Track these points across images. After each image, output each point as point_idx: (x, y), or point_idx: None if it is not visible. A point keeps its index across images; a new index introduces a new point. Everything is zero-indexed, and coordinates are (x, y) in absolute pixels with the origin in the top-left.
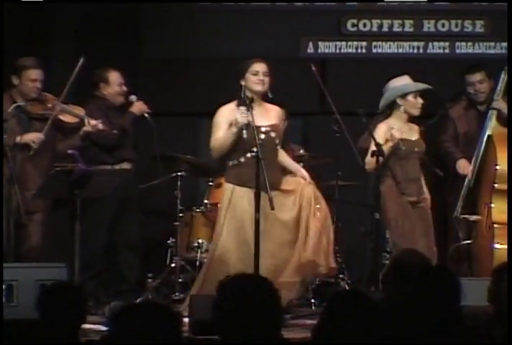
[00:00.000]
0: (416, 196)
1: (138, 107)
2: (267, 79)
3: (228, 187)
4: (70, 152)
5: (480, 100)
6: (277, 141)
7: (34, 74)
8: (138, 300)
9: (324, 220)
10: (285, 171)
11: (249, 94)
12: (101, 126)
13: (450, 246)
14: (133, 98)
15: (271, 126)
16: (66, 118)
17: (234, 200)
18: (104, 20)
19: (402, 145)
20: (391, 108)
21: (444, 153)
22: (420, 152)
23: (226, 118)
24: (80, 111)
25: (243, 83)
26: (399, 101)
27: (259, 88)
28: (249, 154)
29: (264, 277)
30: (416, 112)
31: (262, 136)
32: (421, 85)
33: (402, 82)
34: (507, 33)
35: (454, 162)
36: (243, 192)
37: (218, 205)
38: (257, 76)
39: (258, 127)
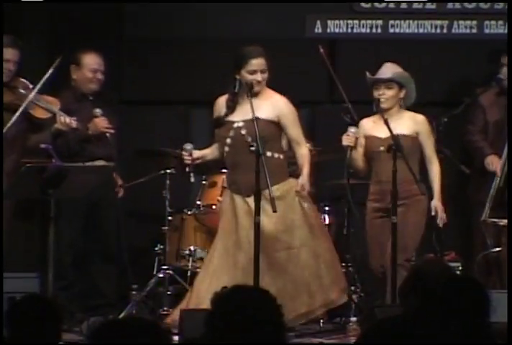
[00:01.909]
0: (383, 202)
1: (96, 125)
2: (265, 76)
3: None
4: (43, 146)
5: (497, 83)
6: (250, 139)
7: (8, 53)
8: (121, 316)
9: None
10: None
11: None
12: (74, 124)
13: (477, 254)
14: (97, 111)
15: (247, 121)
16: (37, 112)
17: (221, 204)
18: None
19: (366, 143)
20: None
21: (471, 148)
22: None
23: (217, 113)
24: (55, 105)
25: (238, 77)
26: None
27: (256, 88)
28: (224, 154)
29: (266, 289)
30: (381, 105)
31: (231, 132)
32: (377, 75)
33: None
34: (507, 33)
35: (483, 157)
36: (228, 197)
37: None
38: (253, 76)
39: (231, 122)
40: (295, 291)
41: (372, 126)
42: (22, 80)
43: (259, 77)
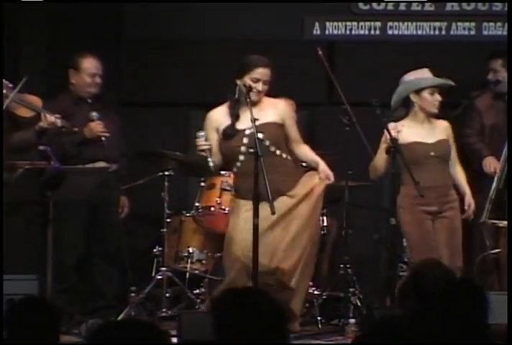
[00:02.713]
0: (436, 206)
1: (91, 129)
2: (265, 88)
3: (232, 199)
4: (41, 148)
5: (503, 86)
6: (268, 143)
7: None
8: (119, 318)
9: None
10: (298, 174)
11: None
12: (59, 122)
13: (475, 255)
14: (93, 115)
15: (258, 126)
16: (20, 111)
17: (237, 214)
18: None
19: (415, 149)
20: (407, 106)
21: (468, 150)
22: (440, 156)
23: (215, 126)
24: (37, 103)
25: (239, 82)
26: (413, 98)
27: (254, 98)
28: (238, 163)
29: (265, 291)
30: (433, 110)
31: (245, 140)
32: (439, 80)
33: (419, 75)
34: (507, 33)
35: (480, 159)
36: (248, 205)
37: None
38: (255, 84)
39: (242, 130)
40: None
41: (409, 132)
42: (3, 81)
43: (260, 86)
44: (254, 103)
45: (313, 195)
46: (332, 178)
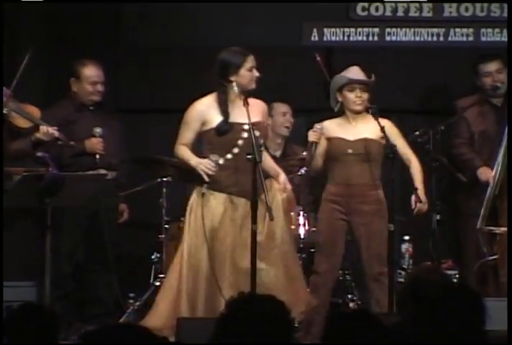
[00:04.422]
0: (349, 204)
1: (92, 144)
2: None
3: (199, 190)
4: (39, 154)
5: (499, 92)
6: (262, 142)
7: None
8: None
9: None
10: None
11: (236, 91)
12: (56, 134)
13: (471, 262)
14: (97, 132)
15: (254, 123)
16: (18, 122)
17: (207, 206)
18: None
19: (334, 144)
20: None
21: (459, 160)
22: (362, 154)
23: (199, 116)
24: (36, 114)
25: (233, 78)
26: (338, 96)
27: (253, 86)
28: (229, 155)
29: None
30: (353, 107)
31: (245, 134)
32: (357, 77)
33: (342, 74)
34: (507, 33)
35: (473, 169)
36: (221, 198)
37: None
38: (252, 73)
39: (240, 124)
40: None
41: (337, 128)
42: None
43: (256, 73)
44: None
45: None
46: (289, 188)
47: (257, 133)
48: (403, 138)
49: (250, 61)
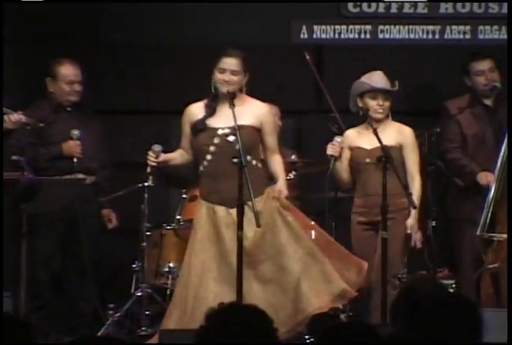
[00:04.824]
0: (371, 215)
1: (69, 147)
2: (235, 79)
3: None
4: (15, 158)
5: (495, 92)
6: (238, 147)
7: None
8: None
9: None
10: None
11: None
12: (24, 119)
13: (467, 270)
14: (74, 134)
15: (232, 128)
16: None
17: (196, 215)
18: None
19: (354, 155)
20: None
21: (454, 166)
22: (376, 163)
23: (189, 119)
24: None
25: (212, 80)
26: (358, 102)
27: (224, 89)
28: (205, 162)
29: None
30: (374, 115)
31: (216, 140)
32: (377, 85)
33: (365, 78)
34: (507, 33)
35: (471, 175)
36: (204, 207)
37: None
38: (222, 75)
39: (214, 129)
40: (285, 301)
41: (357, 137)
42: None
43: (226, 77)
44: (233, 99)
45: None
46: (283, 195)
47: (232, 138)
48: (416, 152)
49: (223, 63)
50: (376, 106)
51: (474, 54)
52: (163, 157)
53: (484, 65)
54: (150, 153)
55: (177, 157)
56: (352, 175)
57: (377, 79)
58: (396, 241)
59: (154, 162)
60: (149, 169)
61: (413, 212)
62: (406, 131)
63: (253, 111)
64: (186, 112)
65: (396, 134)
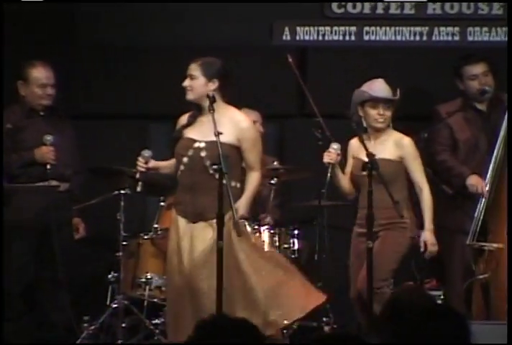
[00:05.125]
0: (375, 227)
1: (42, 153)
2: (193, 84)
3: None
4: None
5: (487, 96)
6: (208, 163)
7: None
8: None
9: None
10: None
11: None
12: None
13: (455, 281)
14: (47, 140)
15: (208, 142)
16: None
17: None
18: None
19: (352, 166)
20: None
21: (442, 168)
22: (376, 175)
23: (177, 128)
24: None
25: None
26: (359, 111)
27: (187, 96)
28: (179, 172)
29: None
30: (374, 124)
31: (190, 152)
32: (379, 94)
33: (366, 87)
34: (507, 33)
35: (460, 178)
36: (174, 218)
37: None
38: (185, 81)
39: (190, 140)
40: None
41: (359, 147)
42: None
43: (186, 82)
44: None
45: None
46: (239, 214)
47: (204, 153)
48: (418, 161)
49: (188, 69)
50: (376, 116)
51: (467, 58)
52: (153, 163)
53: (477, 68)
54: (140, 158)
55: (167, 166)
56: (354, 186)
57: (378, 88)
58: (385, 251)
59: (143, 167)
60: (138, 175)
61: (427, 224)
62: (405, 142)
63: (232, 126)
64: (178, 122)
65: (395, 147)
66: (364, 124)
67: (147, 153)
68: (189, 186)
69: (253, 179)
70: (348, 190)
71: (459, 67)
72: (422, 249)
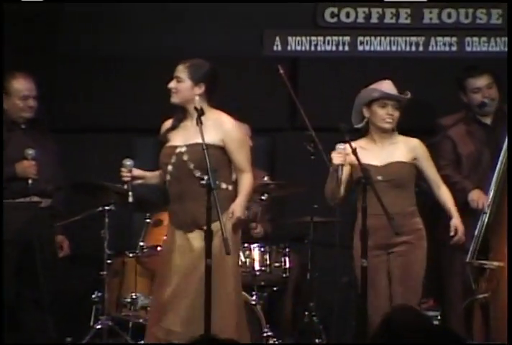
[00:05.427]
0: (384, 237)
1: (24, 168)
2: (179, 86)
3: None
4: None
5: (489, 110)
6: (192, 166)
7: None
8: None
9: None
10: None
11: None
12: None
13: (454, 300)
14: (29, 154)
15: (189, 145)
16: None
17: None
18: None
19: (359, 172)
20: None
21: (446, 185)
22: (393, 180)
23: (160, 138)
24: None
25: None
26: (365, 112)
27: (172, 99)
28: (167, 183)
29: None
30: (383, 125)
31: (173, 159)
32: (391, 92)
33: (373, 87)
34: (507, 34)
35: (463, 194)
36: (167, 230)
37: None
38: (170, 82)
39: (172, 147)
40: None
41: (361, 152)
42: None
43: (172, 84)
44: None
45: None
46: (235, 216)
47: (186, 157)
48: (431, 160)
49: (175, 71)
50: (385, 115)
51: (470, 69)
52: (138, 172)
53: (481, 81)
54: (123, 169)
55: (152, 176)
56: (348, 192)
57: (388, 87)
58: (417, 266)
59: (128, 176)
60: (126, 186)
61: (454, 212)
62: (416, 143)
63: (215, 126)
64: (161, 128)
65: (407, 148)
66: (360, 125)
67: (128, 161)
68: (178, 195)
69: (245, 180)
70: (342, 195)
71: (462, 79)
72: (452, 234)
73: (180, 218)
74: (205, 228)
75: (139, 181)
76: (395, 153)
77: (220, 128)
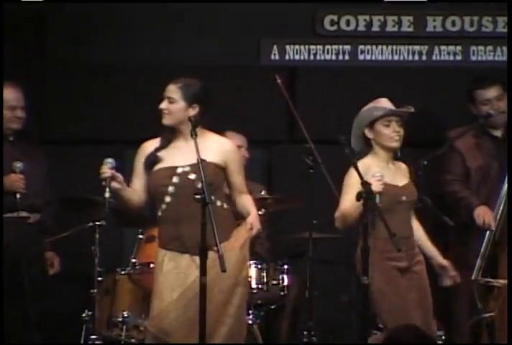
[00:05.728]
0: (406, 260)
1: (11, 182)
2: (172, 107)
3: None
4: None
5: (498, 122)
6: (200, 186)
7: None
8: None
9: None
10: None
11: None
12: None
13: (459, 320)
14: (17, 167)
15: (193, 165)
16: None
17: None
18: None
19: (385, 193)
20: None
21: (453, 199)
22: (410, 201)
23: (143, 157)
24: None
25: None
26: (367, 133)
27: (163, 120)
28: (163, 206)
29: None
30: (391, 144)
31: (175, 179)
32: (393, 109)
33: (376, 104)
34: (507, 34)
35: (469, 210)
36: (165, 256)
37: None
38: (162, 103)
39: (171, 168)
40: None
41: (380, 171)
42: None
43: (163, 104)
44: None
45: (234, 247)
46: (255, 229)
47: (193, 176)
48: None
49: (166, 91)
50: (392, 134)
51: (480, 81)
52: (118, 174)
53: (490, 93)
54: (103, 166)
55: (131, 192)
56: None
57: (388, 104)
58: (429, 290)
59: (107, 172)
60: (104, 183)
61: (437, 254)
62: (406, 168)
63: (216, 147)
64: (141, 149)
65: (403, 170)
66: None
67: (110, 159)
68: (183, 217)
69: (248, 199)
70: (355, 220)
71: (471, 90)
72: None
73: (189, 242)
74: (215, 248)
75: (117, 185)
76: (403, 173)
77: (221, 148)
